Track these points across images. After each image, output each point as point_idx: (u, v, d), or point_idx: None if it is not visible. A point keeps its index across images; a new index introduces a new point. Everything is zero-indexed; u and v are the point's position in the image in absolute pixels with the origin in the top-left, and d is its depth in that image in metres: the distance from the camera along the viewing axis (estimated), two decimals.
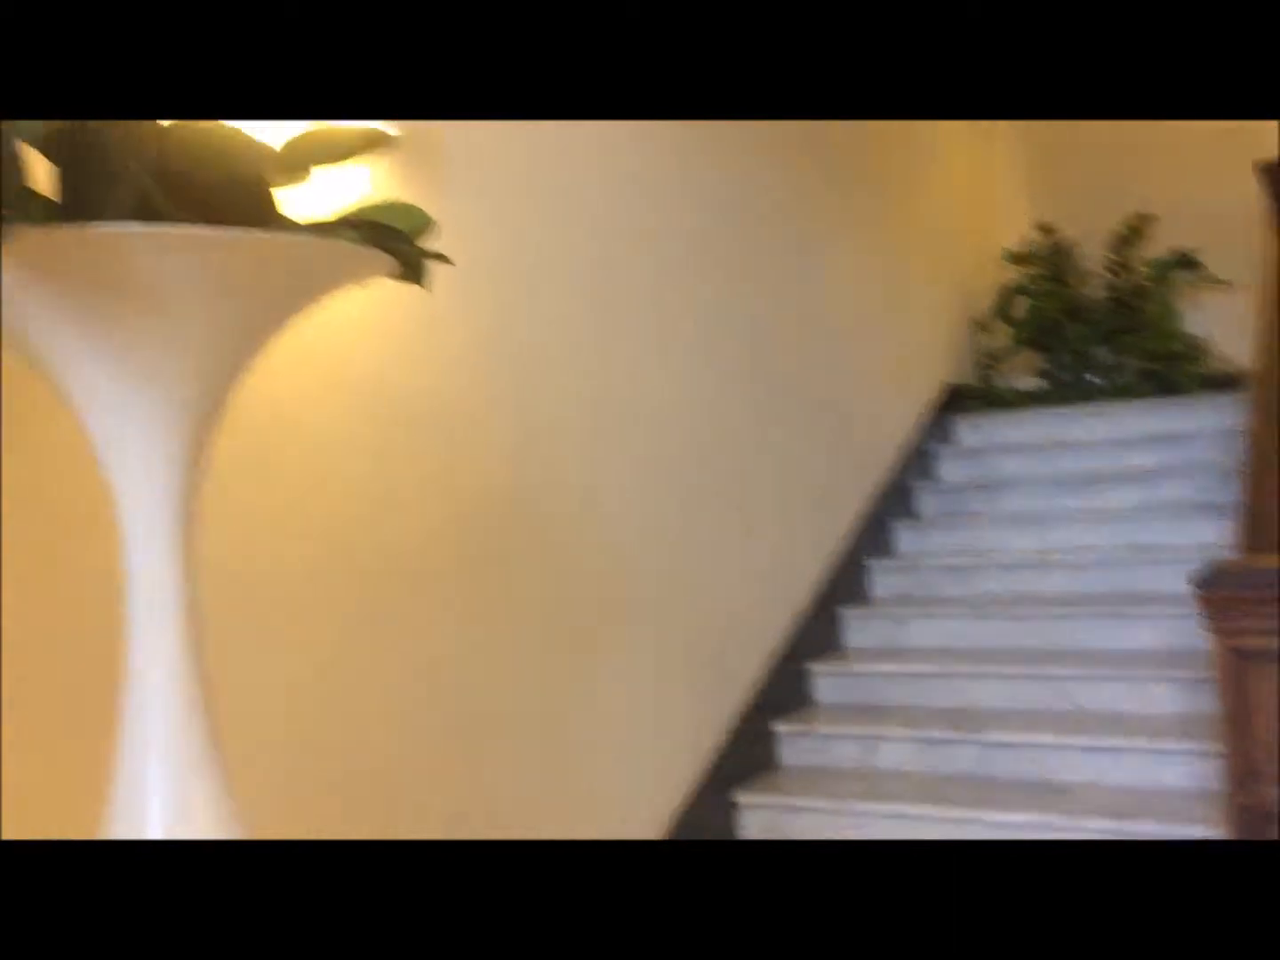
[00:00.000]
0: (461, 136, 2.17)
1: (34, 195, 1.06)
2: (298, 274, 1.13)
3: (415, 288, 2.03)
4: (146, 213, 1.08)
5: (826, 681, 3.38)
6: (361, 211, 1.23)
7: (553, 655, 2.37)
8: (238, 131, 1.10)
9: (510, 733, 2.24)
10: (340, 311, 1.89)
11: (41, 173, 1.21)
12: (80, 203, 1.04)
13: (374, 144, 1.18)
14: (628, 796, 2.57)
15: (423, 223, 1.25)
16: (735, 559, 3.07)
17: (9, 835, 1.37)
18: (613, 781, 2.52)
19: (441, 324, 2.10)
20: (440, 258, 1.22)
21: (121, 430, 1.13)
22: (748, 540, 3.14)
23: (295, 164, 1.16)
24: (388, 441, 1.98)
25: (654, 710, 2.69)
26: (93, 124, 1.03)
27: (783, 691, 3.24)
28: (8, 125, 1.01)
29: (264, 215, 1.11)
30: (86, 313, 1.06)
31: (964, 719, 3.06)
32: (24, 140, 1.02)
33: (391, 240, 1.17)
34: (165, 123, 1.08)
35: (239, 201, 1.09)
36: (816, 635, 3.46)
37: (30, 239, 1.00)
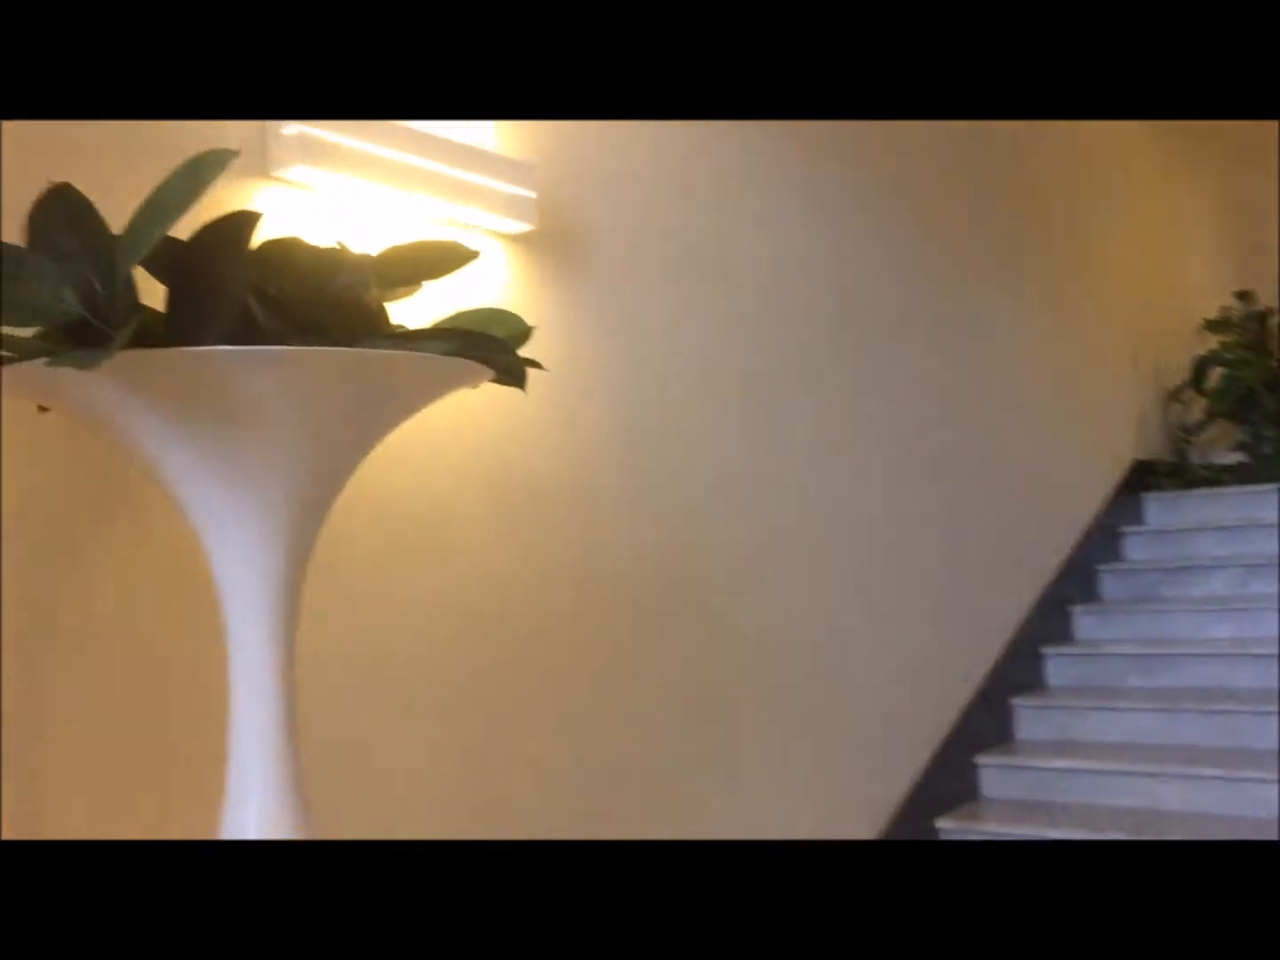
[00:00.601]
0: (598, 224, 2.20)
1: (144, 315, 1.12)
2: (394, 386, 1.16)
3: (550, 368, 2.06)
4: (249, 331, 1.12)
5: (995, 775, 3.22)
6: (460, 319, 1.26)
7: (696, 742, 2.33)
8: (335, 251, 1.14)
9: (650, 823, 2.20)
10: (471, 400, 1.93)
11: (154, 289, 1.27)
12: (186, 322, 1.10)
13: (463, 261, 1.20)
14: None
15: (520, 330, 1.26)
16: (898, 642, 2.97)
17: None
18: None
19: (574, 411, 2.12)
20: (534, 364, 1.23)
21: (227, 534, 1.17)
22: (912, 624, 3.04)
23: (393, 279, 1.19)
24: (519, 526, 2.00)
25: (806, 801, 2.61)
26: (198, 246, 1.08)
27: (947, 785, 3.10)
28: (123, 249, 1.07)
29: (363, 329, 1.15)
30: (193, 427, 1.10)
31: (1145, 823, 2.86)
32: (137, 262, 1.08)
33: (486, 349, 1.18)
34: (266, 242, 1.13)
35: (338, 317, 1.13)
36: (986, 726, 3.31)
37: (139, 360, 1.06)
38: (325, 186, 1.70)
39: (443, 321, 1.25)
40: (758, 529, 2.55)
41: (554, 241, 2.10)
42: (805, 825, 2.61)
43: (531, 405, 2.03)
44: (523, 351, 1.99)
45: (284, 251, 1.10)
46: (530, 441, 2.02)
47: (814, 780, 2.65)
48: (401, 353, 1.12)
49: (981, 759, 3.22)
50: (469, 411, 1.92)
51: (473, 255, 1.21)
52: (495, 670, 1.94)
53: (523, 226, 1.95)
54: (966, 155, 3.50)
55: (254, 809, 1.17)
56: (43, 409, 1.33)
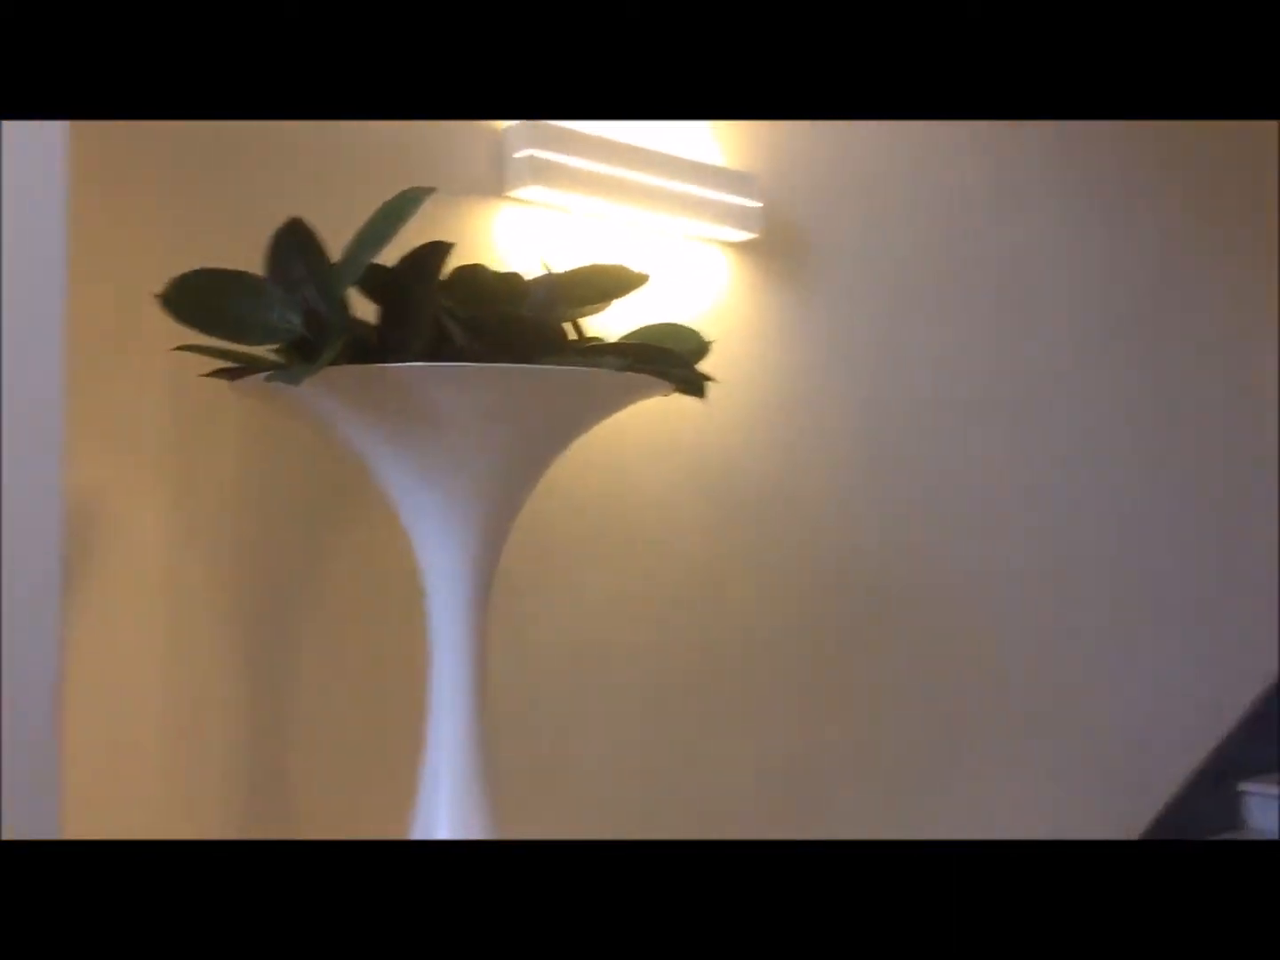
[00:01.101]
0: (821, 229, 2.23)
1: (363, 332, 1.27)
2: (574, 399, 1.26)
3: (774, 371, 2.12)
4: (447, 348, 1.25)
5: (1265, 805, 3.02)
6: (641, 334, 1.34)
7: (916, 749, 2.34)
8: (517, 275, 1.25)
9: (859, 827, 2.23)
10: (688, 403, 2.01)
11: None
12: (391, 340, 1.24)
13: (635, 285, 1.29)
14: None
15: (699, 345, 1.34)
16: (1153, 660, 2.84)
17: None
18: None
19: (794, 412, 2.17)
20: (707, 378, 1.30)
21: (426, 527, 1.31)
22: (1171, 639, 2.89)
23: (577, 300, 1.29)
24: (730, 524, 2.06)
25: (1034, 821, 2.55)
26: (398, 273, 1.22)
27: (1209, 815, 2.93)
28: (337, 276, 1.22)
29: (545, 347, 1.25)
30: (395, 432, 1.24)
31: None
32: (349, 287, 1.23)
33: (663, 363, 1.27)
34: (456, 269, 1.25)
35: (523, 336, 1.24)
36: (1255, 750, 3.10)
37: (349, 374, 1.20)
38: (557, 204, 1.83)
39: (624, 337, 1.34)
40: (990, 537, 2.51)
41: (778, 248, 2.15)
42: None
43: (750, 407, 2.10)
44: (740, 354, 2.05)
45: (471, 277, 1.22)
46: (748, 442, 2.09)
47: (1053, 811, 2.59)
48: (578, 369, 1.21)
49: (1250, 785, 3.02)
50: (687, 414, 2.01)
51: (642, 280, 1.29)
52: (702, 665, 2.02)
53: (748, 235, 2.01)
54: (1238, 149, 3.28)
55: (444, 802, 1.30)
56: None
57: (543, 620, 1.82)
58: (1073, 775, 2.65)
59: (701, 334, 1.35)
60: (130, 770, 1.42)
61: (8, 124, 0.94)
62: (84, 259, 1.37)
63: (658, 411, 1.97)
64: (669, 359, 1.27)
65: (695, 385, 1.33)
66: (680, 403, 1.99)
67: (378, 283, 1.26)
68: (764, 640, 2.11)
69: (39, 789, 0.95)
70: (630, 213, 1.87)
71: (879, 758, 2.28)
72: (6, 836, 0.93)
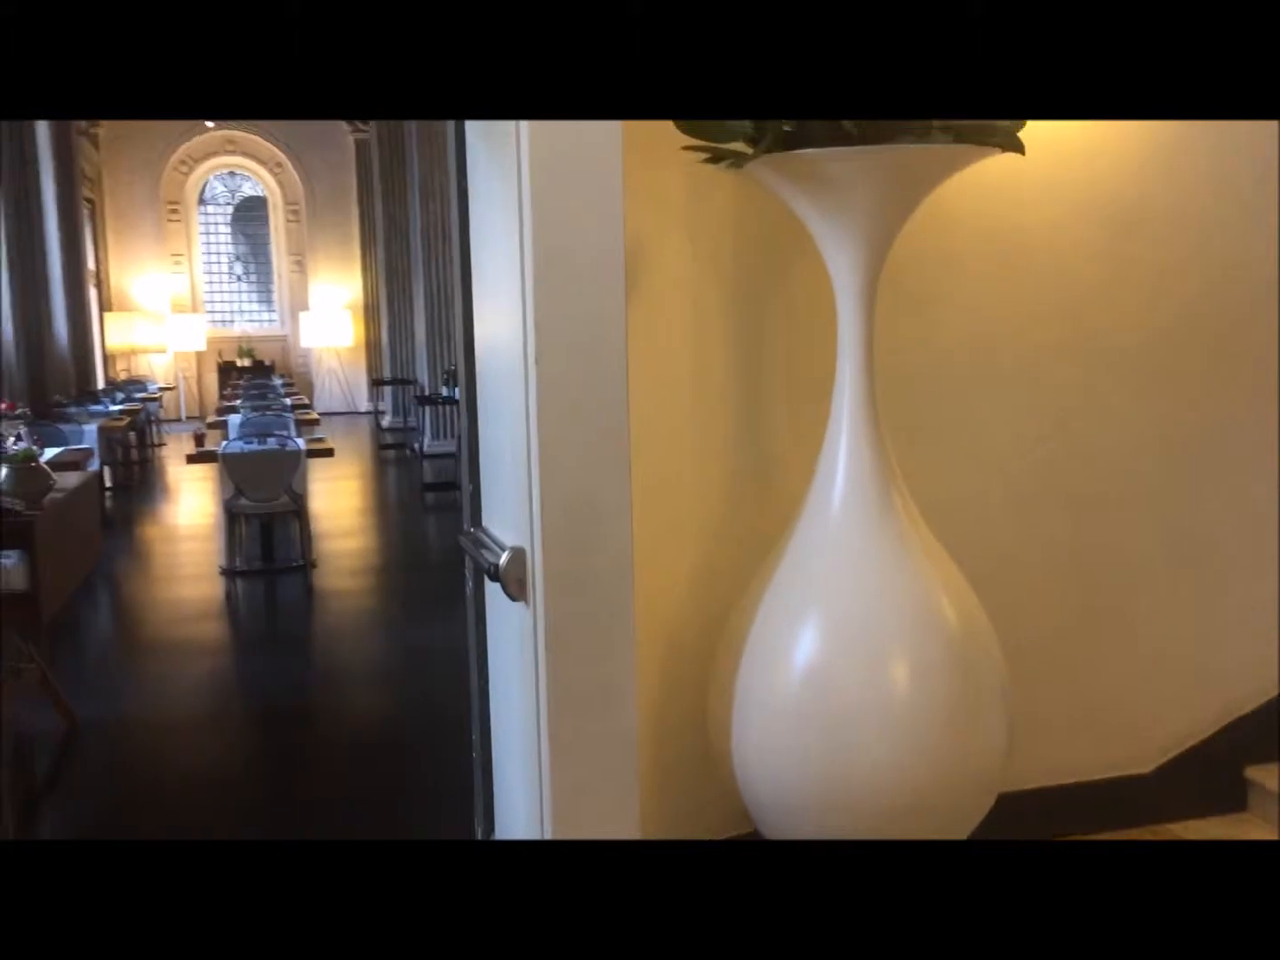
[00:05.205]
0: None
1: (781, 131, 2.00)
2: (924, 166, 1.94)
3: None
4: (839, 137, 1.96)
5: None
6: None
7: None
8: None
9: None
10: (1081, 142, 2.47)
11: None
12: (801, 133, 1.96)
13: None
14: None
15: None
16: None
17: None
18: None
19: (1181, 147, 2.54)
20: (1019, 148, 1.90)
21: (833, 249, 2.07)
22: None
23: None
24: (1118, 247, 2.54)
25: None
26: None
27: None
28: None
29: (908, 130, 1.92)
30: (809, 189, 1.99)
31: None
32: None
33: (985, 137, 1.90)
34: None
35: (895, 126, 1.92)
36: None
37: (782, 158, 1.96)
38: None
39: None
40: None
41: None
42: None
43: (1138, 141, 2.52)
44: None
45: None
46: (1136, 171, 2.52)
47: None
48: (928, 146, 1.88)
49: None
50: (1078, 151, 2.47)
51: None
52: (1088, 372, 2.58)
53: None
54: None
55: (842, 453, 2.09)
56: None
57: (943, 327, 2.50)
58: None
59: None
60: (663, 394, 2.33)
61: None
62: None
63: (1049, 149, 2.39)
64: (991, 132, 1.90)
65: (1013, 144, 1.94)
66: (1072, 141, 2.45)
67: None
68: (1143, 339, 2.59)
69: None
70: None
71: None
72: None
